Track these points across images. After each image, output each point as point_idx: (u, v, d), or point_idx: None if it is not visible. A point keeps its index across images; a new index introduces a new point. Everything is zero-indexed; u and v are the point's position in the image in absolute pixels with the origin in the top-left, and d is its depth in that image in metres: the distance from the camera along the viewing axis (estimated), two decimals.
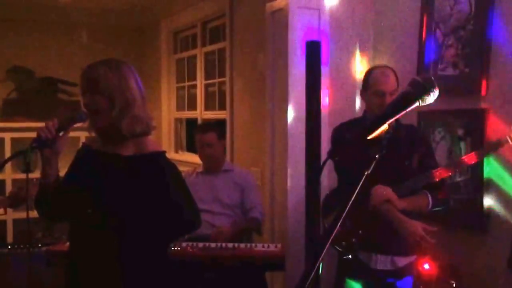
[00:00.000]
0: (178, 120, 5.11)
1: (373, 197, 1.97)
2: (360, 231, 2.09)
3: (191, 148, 4.65)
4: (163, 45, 5.07)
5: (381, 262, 2.10)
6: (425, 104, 1.20)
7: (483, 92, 2.24)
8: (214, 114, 4.39)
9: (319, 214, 1.92)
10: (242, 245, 2.54)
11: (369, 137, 1.18)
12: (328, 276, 2.25)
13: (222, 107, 4.20)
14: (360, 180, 1.17)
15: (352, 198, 1.14)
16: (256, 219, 2.81)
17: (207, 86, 4.55)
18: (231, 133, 3.91)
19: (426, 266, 2.09)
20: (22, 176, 1.70)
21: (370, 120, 2.00)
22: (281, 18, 2.93)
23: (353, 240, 2.11)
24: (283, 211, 2.95)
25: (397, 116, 1.20)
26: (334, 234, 1.14)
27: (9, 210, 3.21)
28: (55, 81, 4.96)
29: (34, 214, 1.75)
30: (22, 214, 3.69)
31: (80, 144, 1.90)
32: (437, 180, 1.99)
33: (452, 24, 2.41)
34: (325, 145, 2.36)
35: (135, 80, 1.69)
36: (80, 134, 3.31)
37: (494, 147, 1.96)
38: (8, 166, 4.20)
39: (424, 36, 2.55)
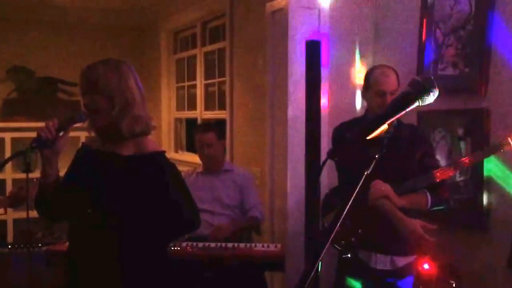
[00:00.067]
0: (178, 120, 5.11)
1: (371, 192, 1.97)
2: (359, 230, 2.09)
3: (191, 148, 4.65)
4: (163, 45, 5.07)
5: (381, 262, 2.11)
6: (424, 104, 1.21)
7: (483, 92, 2.24)
8: (214, 114, 4.39)
9: (318, 214, 1.92)
10: (242, 245, 2.54)
11: (368, 137, 1.18)
12: (328, 275, 2.25)
13: (222, 107, 4.20)
14: (360, 179, 1.17)
15: (352, 198, 1.14)
16: (256, 218, 2.81)
17: (207, 86, 4.55)
18: (231, 133, 3.91)
19: (426, 266, 2.09)
20: (22, 176, 1.70)
21: (370, 119, 2.01)
22: (281, 18, 2.93)
23: (352, 239, 2.11)
24: (283, 211, 2.95)
25: (397, 116, 1.20)
26: (333, 233, 1.14)
27: (9, 210, 3.21)
28: (55, 81, 4.97)
29: (34, 214, 1.75)
30: (22, 214, 3.70)
31: (80, 144, 1.90)
32: (438, 180, 1.99)
33: (452, 24, 2.41)
34: (324, 145, 2.36)
35: (135, 79, 1.69)
36: (80, 134, 3.31)
37: (496, 149, 1.95)
38: (8, 166, 4.20)
39: (424, 36, 2.55)
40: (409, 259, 2.12)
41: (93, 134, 1.73)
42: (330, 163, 2.10)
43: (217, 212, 2.82)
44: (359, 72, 2.85)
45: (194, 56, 4.67)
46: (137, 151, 1.68)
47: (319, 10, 2.92)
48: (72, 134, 1.72)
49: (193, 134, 3.06)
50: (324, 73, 2.79)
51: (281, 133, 2.96)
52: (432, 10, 2.51)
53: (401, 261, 2.11)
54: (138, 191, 1.63)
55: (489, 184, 2.23)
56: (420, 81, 1.21)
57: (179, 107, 5.07)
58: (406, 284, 2.12)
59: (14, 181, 4.31)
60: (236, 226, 2.73)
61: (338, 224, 1.14)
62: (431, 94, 1.19)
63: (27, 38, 4.97)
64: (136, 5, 4.90)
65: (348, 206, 1.14)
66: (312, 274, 1.08)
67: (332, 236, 1.15)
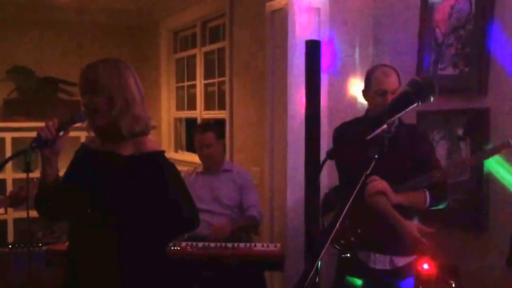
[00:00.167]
0: (177, 120, 5.11)
1: (367, 188, 1.97)
2: (359, 230, 2.10)
3: (190, 148, 4.65)
4: (162, 45, 5.07)
5: (380, 262, 2.11)
6: (424, 104, 1.21)
7: (483, 92, 2.24)
8: (213, 113, 4.39)
9: (318, 214, 1.92)
10: (242, 245, 2.55)
11: (368, 137, 1.18)
12: (327, 275, 2.25)
13: (221, 106, 4.20)
14: (359, 179, 1.17)
15: (351, 198, 1.15)
16: (254, 218, 2.81)
17: (206, 85, 4.55)
18: (230, 133, 3.91)
19: (425, 266, 2.09)
20: (23, 175, 1.71)
21: (370, 119, 2.00)
22: (280, 18, 2.93)
23: (352, 239, 2.11)
24: (283, 211, 2.95)
25: (396, 116, 1.21)
26: (333, 233, 1.14)
27: (9, 209, 3.22)
28: (55, 81, 4.97)
29: (34, 213, 1.75)
30: (22, 214, 3.70)
31: (80, 144, 1.90)
32: (438, 180, 1.99)
33: (452, 24, 2.41)
34: (324, 145, 2.36)
35: (134, 79, 1.69)
36: (80, 134, 3.30)
37: (497, 150, 1.95)
38: (8, 165, 4.20)
39: (424, 35, 2.55)
40: (409, 259, 2.12)
41: (92, 134, 1.73)
42: (330, 163, 2.11)
43: (217, 212, 2.82)
44: (359, 72, 2.86)
45: (194, 56, 4.67)
46: (136, 150, 1.69)
47: (319, 10, 2.92)
48: (72, 134, 1.72)
49: (192, 134, 3.07)
50: (324, 73, 2.79)
51: (280, 133, 2.96)
52: (432, 9, 2.51)
53: (401, 261, 2.11)
54: (138, 190, 1.63)
55: (488, 184, 2.23)
56: (419, 81, 1.21)
57: (179, 107, 5.07)
58: (406, 285, 2.12)
59: (15, 181, 4.31)
60: (235, 225, 2.73)
61: (338, 224, 1.15)
62: (430, 94, 1.20)
63: (27, 38, 4.97)
64: (136, 5, 4.90)
65: (347, 206, 1.14)
66: (312, 273, 1.09)
67: (332, 235, 1.15)
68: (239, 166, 3.13)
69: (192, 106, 4.78)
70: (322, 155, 1.47)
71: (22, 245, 3.15)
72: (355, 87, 2.89)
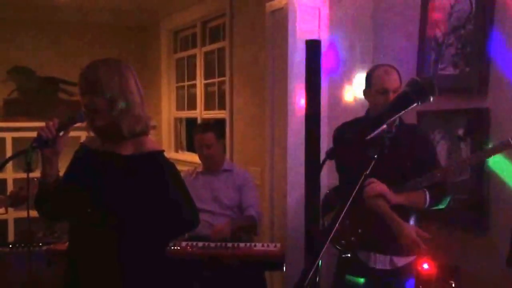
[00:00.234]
0: (178, 120, 5.11)
1: (365, 191, 1.97)
2: (359, 230, 2.10)
3: (191, 148, 4.65)
4: (163, 45, 5.07)
5: (380, 262, 2.11)
6: (424, 104, 1.21)
7: (483, 92, 2.24)
8: (214, 113, 4.39)
9: (318, 214, 1.92)
10: (242, 245, 2.55)
11: (368, 137, 1.18)
12: (327, 275, 2.25)
13: (222, 106, 4.20)
14: (359, 180, 1.17)
15: (351, 198, 1.15)
16: (252, 218, 2.80)
17: (207, 85, 4.55)
18: (230, 133, 3.91)
19: (426, 266, 2.09)
20: (23, 175, 1.71)
21: (370, 119, 2.00)
22: (281, 17, 2.93)
23: (352, 239, 2.11)
24: (283, 211, 2.95)
25: (395, 116, 1.21)
26: (332, 233, 1.14)
27: (10, 209, 3.22)
28: (56, 81, 4.97)
29: (35, 213, 1.75)
30: (23, 214, 3.70)
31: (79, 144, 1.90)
32: (439, 180, 1.99)
33: (452, 23, 2.41)
34: (324, 145, 2.36)
35: (134, 79, 1.70)
36: (81, 134, 3.30)
37: (498, 149, 1.95)
38: (9, 165, 4.21)
39: (424, 35, 2.55)
40: (409, 259, 2.12)
41: (92, 134, 1.73)
42: (330, 163, 2.11)
43: (217, 212, 2.82)
44: (359, 72, 2.85)
45: (194, 56, 4.67)
46: (136, 150, 1.69)
47: (319, 9, 2.92)
48: (72, 134, 1.73)
49: (192, 134, 3.07)
50: (324, 72, 2.80)
51: (281, 132, 2.96)
52: (433, 9, 2.51)
53: (401, 261, 2.11)
54: (138, 190, 1.63)
55: (489, 183, 2.23)
56: (419, 81, 1.21)
57: (179, 107, 5.07)
58: (407, 286, 2.12)
59: (15, 180, 4.31)
60: (234, 226, 2.73)
61: (337, 224, 1.15)
62: (430, 95, 1.20)
63: (28, 38, 4.97)
64: (137, 4, 4.90)
65: (347, 206, 1.14)
66: (312, 273, 1.09)
67: (332, 235, 1.15)
68: (239, 166, 3.13)
69: (192, 106, 4.78)
70: (322, 155, 1.47)
71: (22, 245, 3.15)
72: (356, 87, 2.89)
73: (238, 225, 2.76)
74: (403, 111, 1.20)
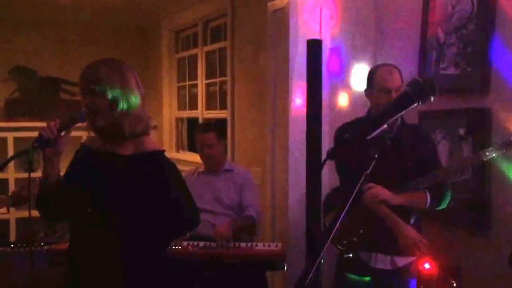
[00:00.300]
0: (179, 120, 5.12)
1: (365, 197, 1.97)
2: (361, 230, 2.10)
3: (192, 148, 4.66)
4: (164, 45, 5.07)
5: (381, 262, 2.11)
6: (425, 104, 1.21)
7: (484, 92, 2.24)
8: (215, 113, 4.39)
9: (319, 214, 1.92)
10: (243, 244, 2.55)
11: (368, 137, 1.18)
12: (328, 274, 2.25)
13: (223, 106, 4.20)
14: (359, 180, 1.17)
15: (351, 198, 1.15)
16: (251, 217, 2.80)
17: (208, 85, 4.56)
18: (232, 133, 3.91)
19: (427, 266, 2.09)
20: (25, 175, 1.72)
21: (371, 119, 2.00)
22: (282, 17, 2.93)
23: (354, 239, 2.11)
24: (284, 211, 2.95)
25: (396, 116, 1.21)
26: (333, 233, 1.14)
27: (11, 209, 3.22)
28: (57, 81, 4.98)
29: (36, 213, 1.75)
30: (24, 213, 3.71)
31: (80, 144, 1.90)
32: (440, 180, 1.99)
33: (454, 23, 2.40)
34: (325, 145, 2.36)
35: (135, 79, 1.70)
36: (82, 133, 3.30)
37: (499, 149, 1.95)
38: (10, 165, 4.22)
39: (426, 35, 2.55)
40: (410, 259, 2.12)
41: (93, 134, 1.73)
42: (331, 163, 2.11)
43: (218, 212, 2.82)
44: (360, 71, 2.85)
45: (196, 56, 4.67)
46: (137, 150, 1.69)
47: (320, 9, 2.92)
48: (73, 134, 1.73)
49: (194, 134, 3.07)
50: (325, 72, 2.79)
51: (282, 132, 2.96)
52: (434, 9, 2.51)
53: (402, 261, 2.11)
54: (139, 190, 1.63)
55: (491, 183, 2.22)
56: (420, 81, 1.21)
57: (181, 107, 5.08)
58: (409, 286, 2.12)
59: (17, 180, 4.32)
60: (235, 225, 2.73)
61: (338, 224, 1.15)
62: (431, 95, 1.19)
63: (29, 38, 4.98)
64: (138, 4, 4.90)
65: (347, 206, 1.14)
66: (312, 272, 1.09)
67: (332, 235, 1.15)
68: (240, 166, 3.13)
69: (193, 106, 4.78)
70: (323, 155, 1.47)
71: (24, 245, 3.15)
72: (357, 86, 2.89)
73: (238, 225, 2.76)
74: (404, 111, 1.20)
